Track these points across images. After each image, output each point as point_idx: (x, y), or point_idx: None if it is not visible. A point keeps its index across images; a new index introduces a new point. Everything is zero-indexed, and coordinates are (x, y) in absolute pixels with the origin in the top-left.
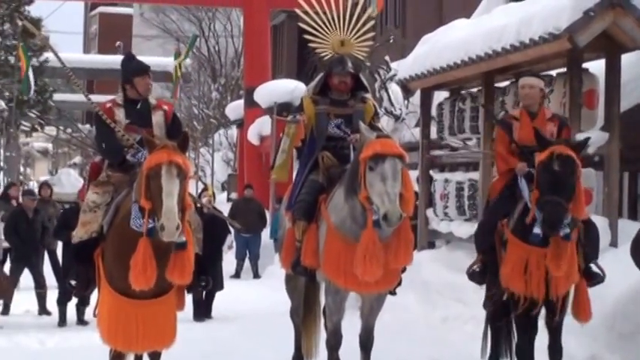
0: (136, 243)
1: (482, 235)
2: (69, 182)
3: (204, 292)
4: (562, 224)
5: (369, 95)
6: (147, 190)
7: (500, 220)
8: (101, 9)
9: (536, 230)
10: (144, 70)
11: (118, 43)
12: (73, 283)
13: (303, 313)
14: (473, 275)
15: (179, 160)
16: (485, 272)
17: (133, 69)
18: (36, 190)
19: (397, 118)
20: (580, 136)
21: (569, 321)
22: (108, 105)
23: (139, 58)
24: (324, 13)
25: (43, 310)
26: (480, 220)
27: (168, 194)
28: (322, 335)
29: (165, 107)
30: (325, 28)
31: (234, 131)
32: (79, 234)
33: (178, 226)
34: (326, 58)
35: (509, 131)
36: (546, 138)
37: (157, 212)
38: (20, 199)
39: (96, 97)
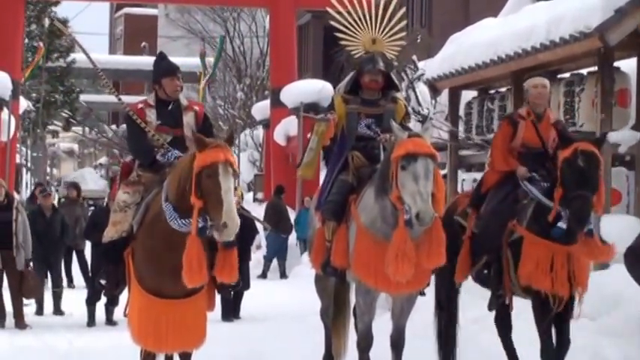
0: (167, 242)
1: (488, 235)
2: (92, 180)
3: (232, 293)
4: (590, 218)
5: (400, 95)
6: (197, 189)
7: (507, 221)
8: (126, 10)
9: (562, 225)
10: (172, 71)
11: (143, 44)
12: (102, 282)
13: (333, 313)
14: (479, 276)
15: (233, 158)
16: (490, 273)
17: (162, 70)
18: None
19: (424, 118)
20: (612, 136)
21: (603, 322)
22: (140, 106)
23: None
24: (355, 11)
25: (57, 309)
26: (483, 220)
27: (227, 192)
28: (352, 336)
29: (197, 108)
30: (356, 27)
31: (260, 131)
32: (109, 234)
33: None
34: (356, 56)
35: (515, 129)
36: (569, 135)
37: (210, 211)
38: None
39: (122, 98)
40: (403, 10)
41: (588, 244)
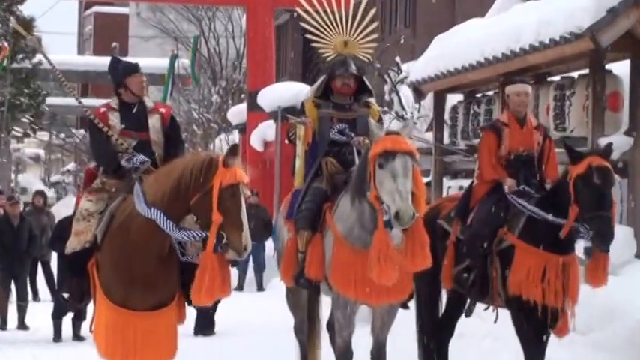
0: (138, 251)
1: (477, 242)
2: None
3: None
4: (614, 238)
5: (373, 99)
6: (220, 205)
7: (496, 229)
8: (96, 8)
9: (587, 244)
10: (134, 68)
11: (113, 44)
12: (66, 296)
13: (308, 329)
14: (458, 278)
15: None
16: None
17: (123, 69)
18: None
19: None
20: (603, 141)
21: (595, 337)
22: (102, 110)
23: (134, 59)
24: (326, 12)
25: (22, 324)
26: (473, 227)
27: (245, 214)
28: (325, 351)
29: (163, 110)
30: (328, 29)
31: (235, 136)
32: (72, 244)
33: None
34: (329, 59)
35: (499, 137)
36: (578, 150)
37: (229, 230)
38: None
39: (91, 101)
40: (374, 10)
41: (599, 261)
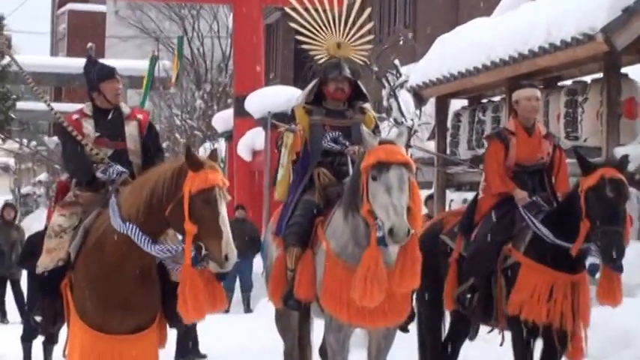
0: (115, 269)
1: (481, 259)
2: None
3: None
4: (624, 254)
5: (368, 105)
6: (192, 214)
7: (502, 246)
8: (70, 6)
9: (594, 260)
10: (109, 73)
11: (89, 44)
12: (37, 318)
13: (299, 355)
14: (461, 299)
15: (227, 183)
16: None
17: (98, 74)
18: None
19: (408, 130)
20: (618, 151)
21: None
22: (75, 116)
23: (112, 61)
24: (318, 11)
25: None
26: (476, 243)
27: (225, 220)
28: None
29: (140, 116)
30: (320, 29)
31: (221, 145)
32: (44, 263)
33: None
34: (321, 62)
35: (506, 147)
36: (590, 161)
37: (207, 240)
38: None
39: (65, 107)
40: (370, 9)
41: (611, 279)
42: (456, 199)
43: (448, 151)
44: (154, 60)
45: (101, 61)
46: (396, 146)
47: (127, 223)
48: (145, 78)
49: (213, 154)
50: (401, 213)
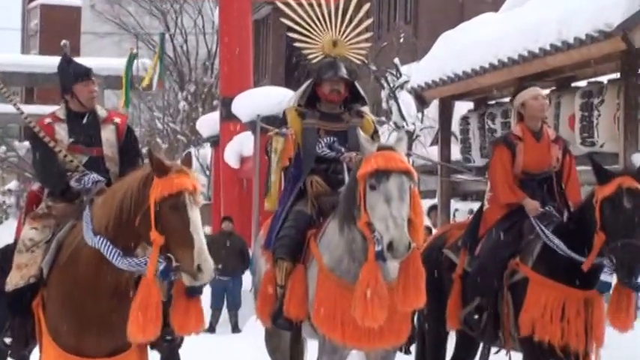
0: (90, 287)
1: (486, 276)
2: None
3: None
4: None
5: (366, 108)
6: (158, 222)
7: (508, 259)
8: (43, 0)
9: (606, 278)
10: (84, 74)
11: (63, 41)
12: (7, 340)
13: None
14: (469, 320)
15: (199, 187)
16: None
17: (72, 75)
18: None
19: (410, 134)
20: (637, 157)
21: None
22: (47, 121)
23: (88, 59)
24: (312, 5)
25: None
26: (480, 259)
27: (197, 228)
28: None
29: (118, 120)
30: (314, 25)
31: (207, 151)
32: (13, 280)
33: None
34: (315, 61)
35: (513, 153)
36: (606, 169)
37: (177, 251)
38: None
39: (36, 109)
40: (368, 5)
41: (623, 299)
42: (462, 209)
43: (461, 158)
44: (132, 58)
45: (76, 59)
46: (396, 152)
47: (98, 237)
48: (123, 78)
49: (187, 159)
50: (401, 225)
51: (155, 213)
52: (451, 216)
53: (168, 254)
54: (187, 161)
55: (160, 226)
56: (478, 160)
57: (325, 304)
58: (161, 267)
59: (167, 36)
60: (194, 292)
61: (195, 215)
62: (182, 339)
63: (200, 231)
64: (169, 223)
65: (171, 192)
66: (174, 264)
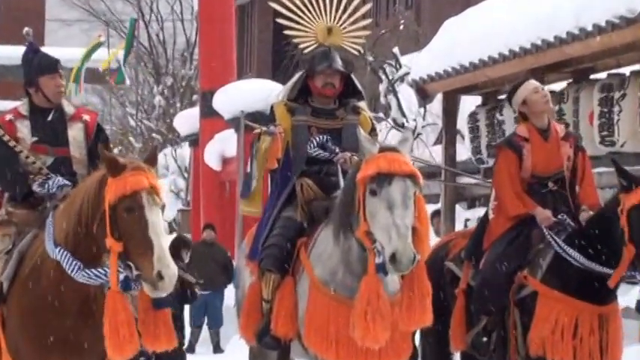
0: (55, 302)
1: (492, 292)
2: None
3: None
4: None
5: (363, 104)
6: (114, 227)
7: (515, 272)
8: None
9: None
10: (51, 66)
11: (25, 29)
12: None
13: None
14: (477, 343)
15: (159, 185)
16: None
17: (38, 66)
18: None
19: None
20: None
21: None
22: (8, 117)
23: (53, 49)
24: None
25: None
26: (484, 273)
27: (159, 231)
28: None
29: (87, 117)
30: (307, 11)
31: (185, 151)
32: None
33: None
34: (307, 50)
35: (519, 157)
36: (631, 173)
37: (136, 258)
38: None
39: None
40: None
41: None
42: (471, 218)
43: (466, 159)
44: (96, 46)
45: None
46: (400, 154)
47: (58, 248)
48: (77, 65)
49: (151, 154)
50: (405, 235)
51: (110, 217)
52: (456, 224)
53: (129, 262)
54: (151, 157)
55: (116, 232)
56: (490, 161)
57: (317, 320)
58: (121, 277)
59: (141, 23)
60: (161, 304)
61: (154, 217)
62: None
63: (161, 234)
64: (126, 228)
65: (125, 192)
66: (134, 273)
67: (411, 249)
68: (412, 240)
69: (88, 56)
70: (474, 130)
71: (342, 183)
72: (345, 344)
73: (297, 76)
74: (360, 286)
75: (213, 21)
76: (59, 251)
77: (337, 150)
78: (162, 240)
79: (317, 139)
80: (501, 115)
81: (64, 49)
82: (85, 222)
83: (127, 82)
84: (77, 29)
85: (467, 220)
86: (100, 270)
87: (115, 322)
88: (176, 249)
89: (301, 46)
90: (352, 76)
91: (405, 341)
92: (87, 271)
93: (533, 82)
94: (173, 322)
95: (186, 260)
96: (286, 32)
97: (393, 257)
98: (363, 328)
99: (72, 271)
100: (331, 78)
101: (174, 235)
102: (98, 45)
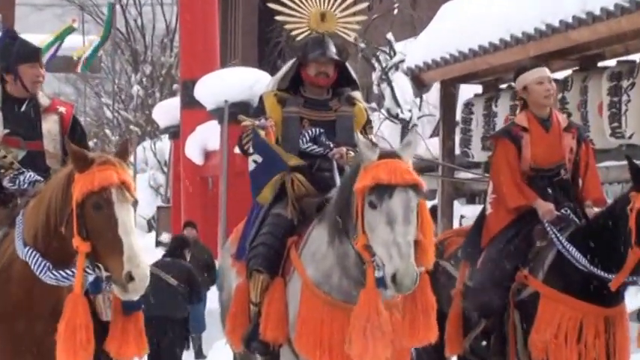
0: (25, 307)
1: (490, 292)
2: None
3: None
4: None
5: (358, 94)
6: (81, 226)
7: (515, 272)
8: None
9: None
10: (32, 54)
11: None
12: None
13: None
14: (475, 348)
15: (130, 180)
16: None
17: (17, 53)
18: None
19: (405, 123)
20: None
21: None
22: None
23: (24, 36)
24: None
25: None
26: (481, 272)
27: (129, 229)
28: None
29: (63, 109)
30: None
31: (165, 144)
32: None
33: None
34: (299, 38)
35: (518, 148)
36: None
37: (105, 258)
38: None
39: None
40: None
41: None
42: (469, 215)
43: (458, 151)
44: (67, 31)
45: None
46: (402, 162)
47: (27, 248)
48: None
49: (122, 146)
50: (407, 254)
51: (77, 215)
52: (455, 222)
53: (97, 263)
54: (122, 150)
55: (83, 231)
56: (477, 155)
57: (309, 324)
58: (90, 278)
59: (118, 7)
60: (131, 308)
61: (124, 214)
62: None
63: (131, 233)
64: (94, 226)
65: (93, 188)
66: (104, 274)
67: (413, 269)
68: (415, 252)
69: (55, 41)
70: (466, 120)
71: (337, 179)
72: (339, 350)
73: (289, 64)
74: (359, 299)
75: (195, 5)
76: (27, 251)
77: (331, 145)
78: (133, 239)
79: (309, 132)
80: (496, 106)
81: (35, 36)
82: (54, 220)
83: (101, 70)
84: (49, 14)
85: (462, 217)
86: (68, 271)
87: (73, 325)
88: (180, 249)
89: (293, 32)
90: (347, 64)
91: (403, 355)
92: (54, 272)
93: (540, 71)
94: (181, 327)
95: (187, 259)
96: (277, 18)
97: (394, 278)
98: (361, 346)
99: (40, 272)
100: (325, 67)
101: (153, 233)
102: (70, 29)
